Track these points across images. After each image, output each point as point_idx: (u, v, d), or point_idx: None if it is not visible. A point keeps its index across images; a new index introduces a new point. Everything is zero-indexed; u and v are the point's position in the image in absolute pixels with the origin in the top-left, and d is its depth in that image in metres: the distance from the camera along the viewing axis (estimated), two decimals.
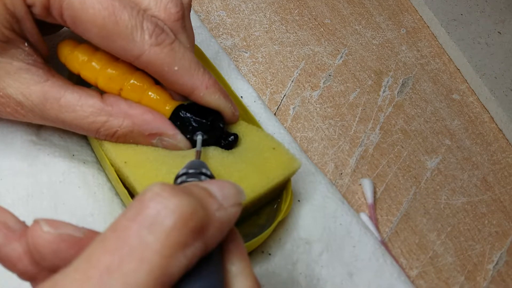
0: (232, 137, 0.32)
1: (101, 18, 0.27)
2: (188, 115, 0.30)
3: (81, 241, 0.19)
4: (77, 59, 0.30)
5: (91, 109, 0.29)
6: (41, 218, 0.20)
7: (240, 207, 0.20)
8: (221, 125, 0.31)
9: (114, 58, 0.30)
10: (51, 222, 0.19)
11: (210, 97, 0.30)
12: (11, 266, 0.20)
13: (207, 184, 0.20)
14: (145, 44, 0.28)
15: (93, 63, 0.30)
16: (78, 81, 0.32)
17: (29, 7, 0.27)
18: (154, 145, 0.31)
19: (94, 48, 0.31)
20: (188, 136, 0.31)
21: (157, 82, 0.31)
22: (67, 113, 0.29)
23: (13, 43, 0.28)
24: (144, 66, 0.29)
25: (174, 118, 0.30)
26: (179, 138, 0.30)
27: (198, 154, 0.29)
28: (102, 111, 0.29)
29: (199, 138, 0.30)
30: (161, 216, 0.17)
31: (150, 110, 0.30)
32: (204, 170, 0.24)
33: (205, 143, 0.31)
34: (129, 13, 0.27)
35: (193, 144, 0.31)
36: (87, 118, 0.29)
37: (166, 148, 0.31)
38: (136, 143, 0.31)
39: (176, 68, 0.29)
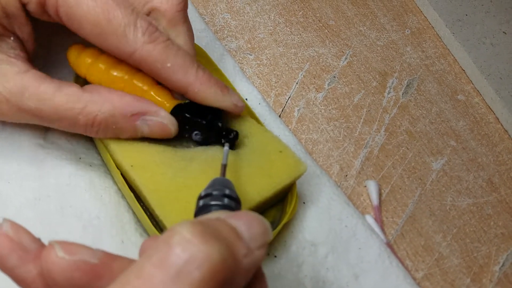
0: (233, 134, 0.31)
1: (94, 15, 0.27)
2: (186, 114, 0.30)
3: (96, 267, 0.19)
4: (83, 62, 0.31)
5: (68, 96, 0.29)
6: (56, 241, 0.19)
7: (266, 247, 0.20)
8: (219, 124, 0.31)
9: (118, 60, 0.31)
10: (66, 247, 0.19)
11: (205, 93, 0.30)
12: (25, 287, 0.20)
13: (235, 220, 0.19)
14: (138, 42, 0.28)
15: (99, 65, 0.30)
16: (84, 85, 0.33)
17: (24, 5, 0.27)
18: (139, 129, 0.30)
19: (100, 51, 0.31)
20: (186, 135, 0.31)
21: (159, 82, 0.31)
22: (45, 100, 0.28)
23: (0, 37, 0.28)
24: (137, 63, 0.29)
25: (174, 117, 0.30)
26: (163, 114, 0.30)
27: (224, 169, 0.27)
28: (81, 97, 0.29)
29: (225, 149, 0.29)
30: (189, 267, 0.16)
31: (130, 94, 0.30)
32: (228, 192, 0.24)
33: (205, 143, 0.31)
34: (122, 11, 0.27)
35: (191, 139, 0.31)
36: (66, 104, 0.28)
37: (153, 131, 0.30)
38: (120, 131, 0.30)
39: (169, 65, 0.29)
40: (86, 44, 0.31)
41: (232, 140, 0.31)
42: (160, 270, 0.16)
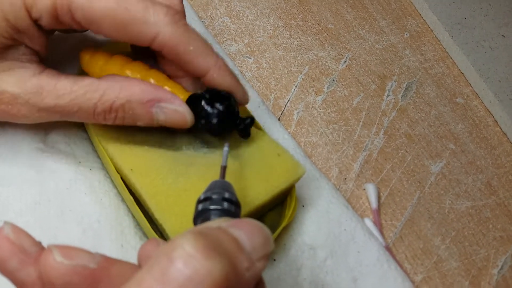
0: (249, 120, 0.31)
1: (110, 9, 0.27)
2: (202, 102, 0.30)
3: (95, 272, 0.19)
4: (96, 63, 0.31)
5: (87, 87, 0.29)
6: (55, 245, 0.19)
7: (268, 258, 0.20)
8: (236, 109, 0.31)
9: (129, 61, 0.31)
10: (64, 251, 0.19)
11: (224, 78, 0.30)
12: None
13: (236, 230, 0.19)
14: (160, 23, 0.28)
15: (112, 67, 0.31)
16: None
17: (35, 20, 0.27)
18: (155, 117, 0.30)
19: (111, 53, 0.32)
20: (203, 122, 0.30)
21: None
22: (64, 95, 0.29)
23: (10, 47, 0.28)
24: (161, 47, 0.29)
25: (189, 104, 0.30)
26: (178, 102, 0.30)
27: (223, 171, 0.27)
28: (98, 86, 0.29)
29: (225, 150, 0.29)
30: (191, 283, 0.16)
31: (146, 82, 0.30)
32: (227, 195, 0.23)
33: (222, 130, 0.30)
34: None
35: (208, 131, 0.31)
36: (84, 95, 0.29)
37: (168, 119, 0.30)
38: (137, 117, 0.30)
39: (191, 48, 0.29)
40: (96, 46, 0.32)
41: (248, 125, 0.31)
42: (161, 285, 0.16)
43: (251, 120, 0.31)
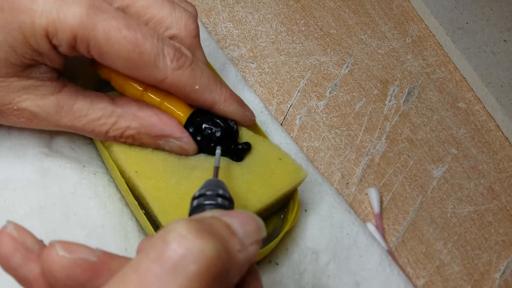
0: (245, 145, 0.32)
1: (126, 51, 0.28)
2: (202, 121, 0.31)
3: (95, 265, 0.20)
4: (104, 70, 0.32)
5: (102, 112, 0.30)
6: (57, 240, 0.20)
7: (260, 244, 0.20)
8: (234, 126, 0.32)
9: None
10: (66, 246, 0.19)
11: (229, 108, 0.31)
12: (28, 286, 0.20)
13: (229, 218, 0.20)
14: (168, 69, 0.29)
15: (117, 76, 0.31)
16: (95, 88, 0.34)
17: (54, 46, 0.28)
18: (161, 147, 0.32)
19: None
20: (202, 141, 0.31)
21: None
22: (80, 117, 0.30)
23: (33, 66, 0.29)
24: (168, 88, 0.30)
25: (189, 124, 0.31)
26: (185, 140, 0.31)
27: (216, 171, 0.28)
28: (113, 112, 0.31)
29: (217, 152, 0.30)
30: (185, 261, 0.17)
31: (159, 113, 0.31)
32: (221, 192, 0.24)
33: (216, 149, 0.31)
34: (151, 43, 0.28)
35: (202, 150, 0.32)
36: (98, 120, 0.30)
37: (172, 151, 0.32)
38: (144, 144, 0.32)
39: (197, 87, 0.30)
40: None
41: (243, 150, 0.32)
42: (157, 265, 0.17)
43: (248, 146, 0.32)
